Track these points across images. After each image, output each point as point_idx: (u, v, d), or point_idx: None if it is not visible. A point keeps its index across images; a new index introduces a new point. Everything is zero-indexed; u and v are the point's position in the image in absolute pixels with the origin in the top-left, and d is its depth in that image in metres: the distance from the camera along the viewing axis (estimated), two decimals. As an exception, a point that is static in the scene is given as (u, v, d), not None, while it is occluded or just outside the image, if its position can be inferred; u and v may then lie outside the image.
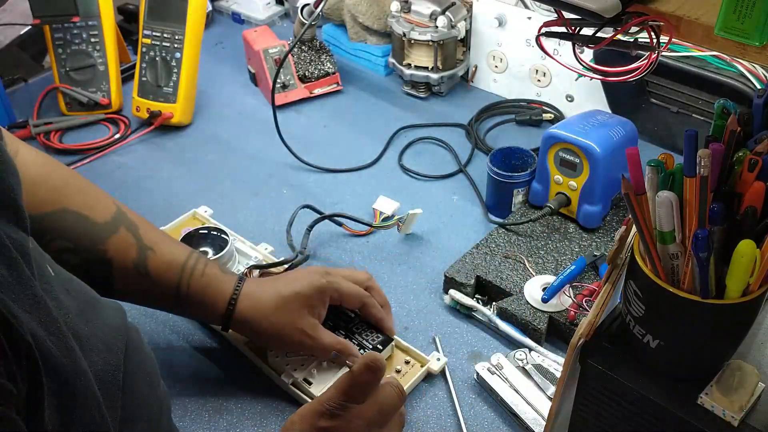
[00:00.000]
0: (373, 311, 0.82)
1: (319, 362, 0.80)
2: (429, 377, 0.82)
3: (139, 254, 0.75)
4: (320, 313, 0.79)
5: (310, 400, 0.75)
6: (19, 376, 0.39)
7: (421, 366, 0.82)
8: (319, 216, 1.01)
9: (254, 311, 0.77)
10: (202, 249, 0.91)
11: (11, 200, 0.48)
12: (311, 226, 0.99)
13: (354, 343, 0.81)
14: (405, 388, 0.72)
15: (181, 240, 0.91)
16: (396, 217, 1.00)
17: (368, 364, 0.63)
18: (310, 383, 0.79)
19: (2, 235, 0.43)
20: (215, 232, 0.94)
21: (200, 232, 0.94)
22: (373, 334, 0.83)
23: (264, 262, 0.94)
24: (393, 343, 0.82)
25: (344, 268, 0.87)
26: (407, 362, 0.82)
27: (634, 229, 0.54)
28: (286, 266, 0.91)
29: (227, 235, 0.93)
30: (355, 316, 0.84)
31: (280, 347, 0.81)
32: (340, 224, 1.03)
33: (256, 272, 0.89)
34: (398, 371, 0.81)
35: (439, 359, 0.82)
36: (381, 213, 1.03)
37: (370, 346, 0.81)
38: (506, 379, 0.79)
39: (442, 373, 0.83)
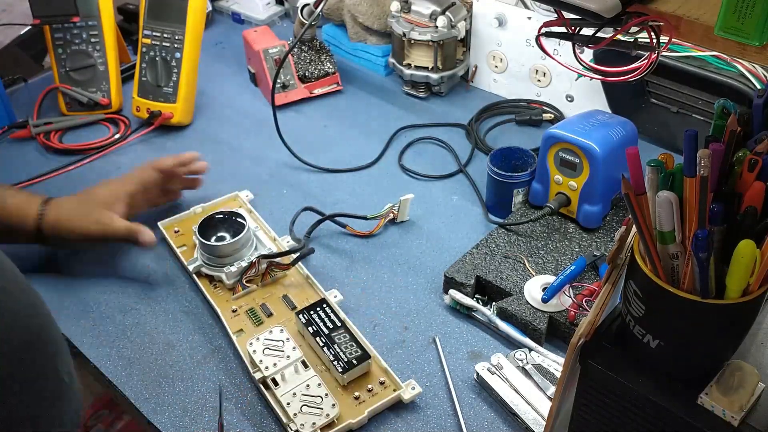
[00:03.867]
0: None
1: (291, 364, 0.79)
2: (400, 406, 0.79)
3: None
4: (120, 210, 0.95)
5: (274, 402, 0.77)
6: None
7: (394, 391, 0.79)
8: (318, 218, 1.01)
9: (59, 209, 0.93)
10: (219, 233, 0.95)
11: None
12: (309, 232, 1.00)
13: (331, 352, 0.80)
14: (371, 409, 0.76)
15: (200, 224, 0.94)
16: (389, 205, 1.00)
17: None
18: (277, 384, 0.78)
19: None
20: (234, 217, 0.96)
21: (217, 216, 0.96)
22: (352, 348, 0.81)
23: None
24: (370, 360, 0.80)
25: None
26: (382, 383, 0.80)
27: (634, 229, 0.54)
28: (294, 256, 0.93)
29: (244, 220, 0.95)
30: (340, 325, 0.83)
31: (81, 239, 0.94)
32: (343, 225, 1.03)
33: (264, 263, 0.91)
34: (369, 390, 0.79)
35: (413, 388, 0.78)
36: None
37: (345, 359, 0.79)
38: (506, 379, 0.79)
39: (442, 375, 0.83)
